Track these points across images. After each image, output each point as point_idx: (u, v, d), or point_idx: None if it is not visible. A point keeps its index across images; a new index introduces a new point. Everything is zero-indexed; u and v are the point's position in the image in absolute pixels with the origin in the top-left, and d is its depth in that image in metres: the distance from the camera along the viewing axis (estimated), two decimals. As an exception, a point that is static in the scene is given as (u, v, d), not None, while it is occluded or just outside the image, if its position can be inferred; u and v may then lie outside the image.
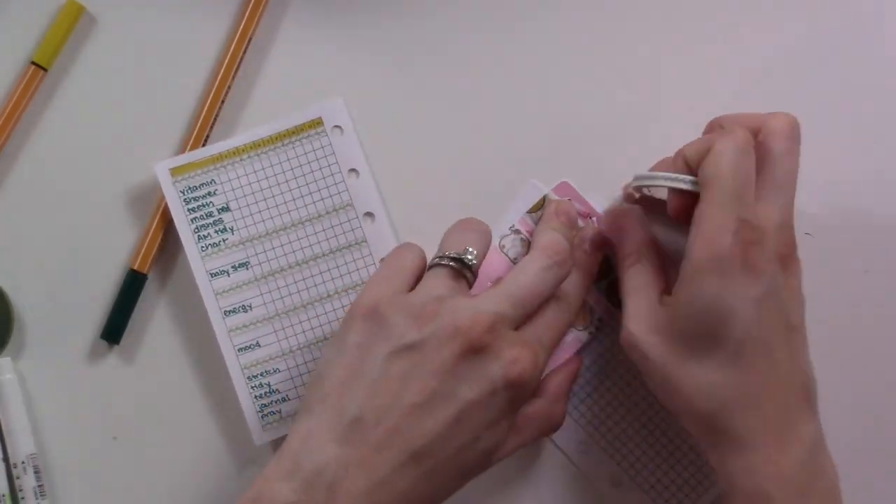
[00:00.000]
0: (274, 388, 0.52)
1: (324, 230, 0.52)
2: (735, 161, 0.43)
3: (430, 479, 0.44)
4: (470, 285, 0.47)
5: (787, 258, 0.44)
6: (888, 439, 0.52)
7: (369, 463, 0.42)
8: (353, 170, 0.53)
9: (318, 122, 0.53)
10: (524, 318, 0.46)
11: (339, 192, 0.53)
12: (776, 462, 0.42)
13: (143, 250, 0.52)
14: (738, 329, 0.42)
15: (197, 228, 0.52)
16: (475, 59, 0.53)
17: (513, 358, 0.44)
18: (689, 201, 0.45)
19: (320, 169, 0.53)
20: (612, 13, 0.53)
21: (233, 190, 0.53)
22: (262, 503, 0.42)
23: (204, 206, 0.52)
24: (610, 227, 0.50)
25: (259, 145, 0.53)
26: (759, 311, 0.42)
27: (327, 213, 0.53)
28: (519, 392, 0.45)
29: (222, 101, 0.53)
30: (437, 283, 0.46)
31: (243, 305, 0.52)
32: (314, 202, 0.53)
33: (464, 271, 0.46)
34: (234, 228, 0.52)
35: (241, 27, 0.53)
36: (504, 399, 0.44)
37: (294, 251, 0.52)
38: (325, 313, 0.52)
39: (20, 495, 0.51)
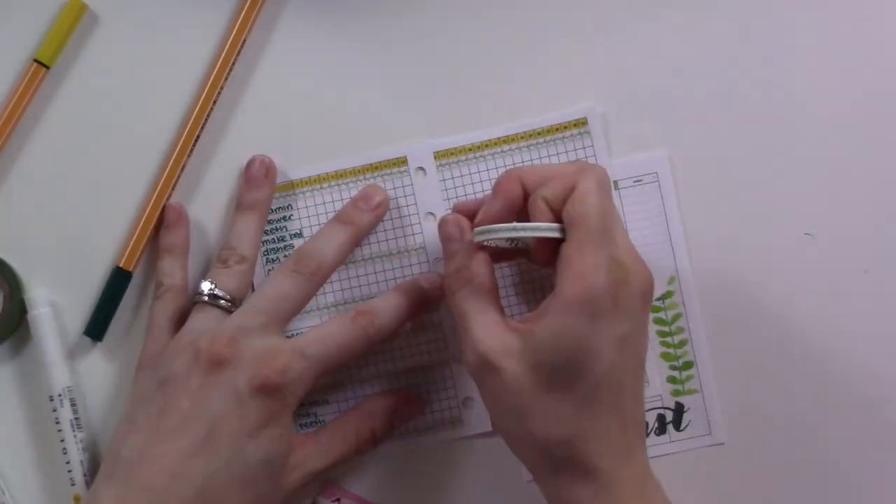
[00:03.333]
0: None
1: (392, 269, 0.53)
2: (601, 199, 0.43)
3: (212, 501, 0.45)
4: (231, 308, 0.49)
5: (646, 297, 0.43)
6: (888, 439, 0.52)
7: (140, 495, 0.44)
8: (429, 213, 0.53)
9: (402, 161, 0.53)
10: (280, 321, 0.49)
11: (413, 234, 0.53)
12: (617, 490, 0.42)
13: (129, 248, 0.52)
14: (599, 368, 0.42)
15: (267, 251, 0.53)
16: (475, 59, 0.53)
17: (259, 363, 0.46)
18: (555, 247, 0.44)
19: (398, 208, 0.53)
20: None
21: (308, 217, 0.53)
22: None
23: (277, 230, 0.53)
24: (446, 230, 0.48)
25: (341, 175, 0.53)
26: (619, 350, 0.42)
27: (398, 252, 0.53)
28: (269, 396, 0.46)
29: (214, 102, 0.53)
30: (196, 318, 0.49)
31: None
32: (387, 240, 0.53)
33: (217, 302, 0.49)
34: None
35: (235, 30, 0.52)
36: (257, 405, 0.46)
37: (361, 286, 0.53)
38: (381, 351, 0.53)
39: (57, 427, 0.52)
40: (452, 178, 0.53)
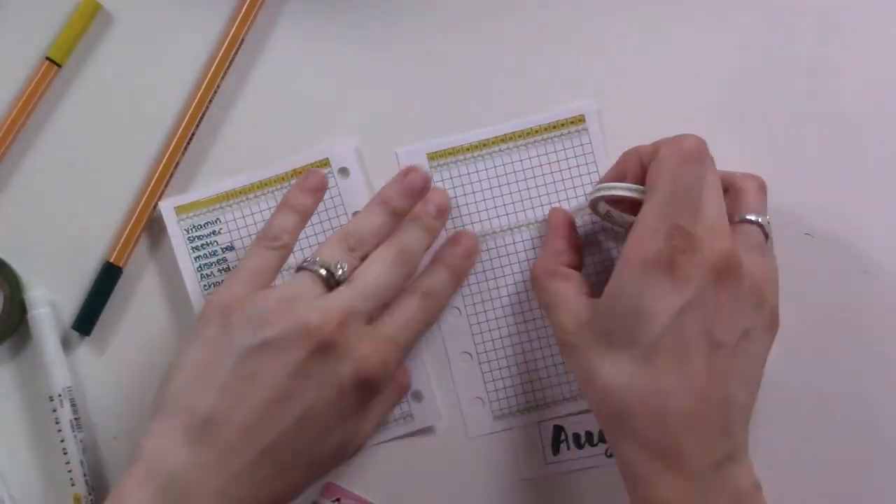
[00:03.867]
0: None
1: None
2: (676, 167, 0.43)
3: (282, 476, 0.44)
4: (331, 287, 0.47)
5: (723, 274, 0.43)
6: (888, 439, 0.52)
7: (221, 463, 0.43)
8: (357, 213, 0.52)
9: (324, 163, 0.52)
10: (378, 310, 0.47)
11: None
12: (675, 473, 0.42)
13: (120, 244, 0.52)
14: (654, 331, 0.42)
15: (200, 267, 0.52)
16: (477, 59, 0.54)
17: (363, 356, 0.45)
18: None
19: (325, 210, 0.52)
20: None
21: (238, 229, 0.52)
22: None
23: (208, 244, 0.52)
24: (553, 218, 0.51)
25: (265, 184, 0.52)
26: (678, 319, 0.42)
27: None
28: (368, 390, 0.46)
29: (209, 102, 0.53)
30: (296, 284, 0.46)
31: None
32: (318, 244, 0.52)
33: (329, 281, 0.47)
34: None
35: (232, 33, 0.53)
36: (354, 397, 0.45)
37: None
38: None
39: (56, 427, 0.51)
40: (451, 178, 0.53)
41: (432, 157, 0.53)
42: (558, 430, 0.53)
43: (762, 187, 0.48)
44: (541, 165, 0.53)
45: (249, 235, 0.52)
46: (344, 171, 0.53)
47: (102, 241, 0.53)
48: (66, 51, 0.52)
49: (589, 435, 0.53)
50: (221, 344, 0.45)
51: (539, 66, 0.53)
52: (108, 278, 0.52)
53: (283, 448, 0.44)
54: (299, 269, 0.47)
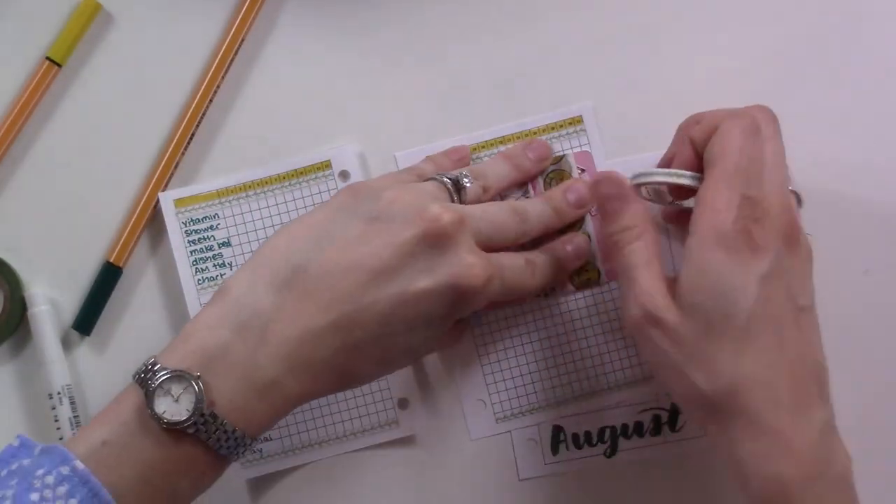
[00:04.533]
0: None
1: None
2: (741, 139, 0.43)
3: (352, 353, 0.44)
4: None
5: (792, 239, 0.43)
6: (888, 440, 0.52)
7: (301, 314, 0.43)
8: None
9: (326, 165, 0.53)
10: (491, 242, 0.46)
11: None
12: (788, 445, 0.41)
13: (120, 244, 0.52)
14: (746, 305, 0.41)
15: (195, 261, 0.52)
16: (477, 58, 0.54)
17: (469, 263, 0.44)
18: (690, 194, 0.45)
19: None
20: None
21: (235, 226, 0.53)
22: (192, 341, 0.42)
23: (205, 238, 0.53)
24: (607, 194, 0.47)
25: (266, 183, 0.53)
26: (765, 288, 0.41)
27: None
28: (462, 301, 0.44)
29: (209, 102, 0.53)
30: (425, 185, 0.47)
31: None
32: None
33: (453, 192, 0.47)
34: (234, 265, 0.52)
35: (232, 32, 0.53)
36: (446, 300, 0.44)
37: None
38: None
39: (56, 425, 0.51)
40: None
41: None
42: (557, 430, 0.53)
43: (774, 133, 0.46)
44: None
45: (247, 232, 0.53)
46: (344, 175, 0.53)
47: (102, 240, 0.53)
48: (66, 51, 0.53)
49: (588, 435, 0.53)
50: (341, 210, 0.45)
51: (538, 68, 0.53)
52: (108, 278, 0.52)
53: (362, 322, 0.43)
54: (427, 179, 0.48)
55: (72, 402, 0.52)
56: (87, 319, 0.52)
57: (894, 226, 0.53)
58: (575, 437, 0.53)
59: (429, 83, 0.54)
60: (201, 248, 0.52)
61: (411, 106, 0.54)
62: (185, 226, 0.53)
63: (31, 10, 0.53)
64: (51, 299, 0.53)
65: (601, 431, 0.53)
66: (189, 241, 0.52)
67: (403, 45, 0.54)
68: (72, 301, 0.53)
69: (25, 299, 0.52)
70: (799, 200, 0.47)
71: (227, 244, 0.53)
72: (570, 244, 0.51)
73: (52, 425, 0.52)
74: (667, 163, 0.48)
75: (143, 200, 0.53)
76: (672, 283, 0.44)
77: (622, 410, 0.53)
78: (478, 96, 0.53)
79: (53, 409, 0.52)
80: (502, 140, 0.53)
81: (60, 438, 0.51)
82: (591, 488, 0.53)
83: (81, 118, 0.53)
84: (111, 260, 0.52)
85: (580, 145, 0.53)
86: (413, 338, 0.45)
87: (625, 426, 0.53)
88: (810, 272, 0.44)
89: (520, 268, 0.48)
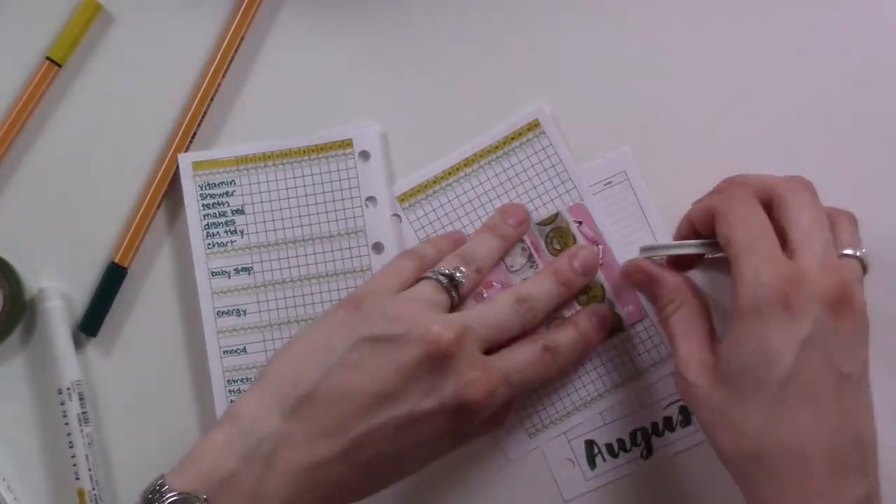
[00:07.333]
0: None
1: (332, 251, 0.53)
2: (741, 215, 0.44)
3: (365, 472, 0.45)
4: (453, 303, 0.48)
5: (838, 304, 0.43)
6: (888, 439, 0.52)
7: (310, 442, 0.44)
8: (371, 198, 0.53)
9: (347, 143, 0.53)
10: (495, 344, 0.47)
11: (353, 217, 0.53)
12: None
13: (124, 244, 0.53)
14: (781, 370, 0.41)
15: (207, 225, 0.53)
16: (477, 57, 0.54)
17: (472, 379, 0.45)
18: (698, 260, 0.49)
19: (340, 191, 0.53)
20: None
21: (251, 194, 0.53)
22: (200, 465, 0.43)
23: (219, 204, 0.53)
24: (640, 282, 0.50)
25: (286, 155, 0.53)
26: (803, 353, 0.41)
27: (338, 235, 0.53)
28: (467, 414, 0.45)
29: (212, 98, 0.53)
30: (423, 290, 0.48)
31: (238, 309, 0.52)
32: (328, 222, 0.53)
33: (450, 289, 0.48)
34: (245, 232, 0.53)
35: (231, 32, 0.53)
36: (452, 418, 0.45)
37: (299, 266, 0.53)
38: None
39: (64, 421, 0.52)
40: (426, 214, 0.53)
41: (402, 198, 0.53)
42: (590, 444, 0.53)
43: (853, 221, 0.48)
44: (509, 179, 0.53)
45: (262, 202, 0.53)
46: (364, 155, 0.53)
47: (106, 241, 0.53)
48: (66, 51, 0.53)
49: (620, 442, 0.53)
50: (343, 328, 0.46)
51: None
52: (113, 279, 0.53)
53: (371, 443, 0.44)
54: (421, 278, 0.49)
55: (81, 398, 0.52)
56: (93, 321, 0.53)
57: (894, 225, 0.52)
58: (609, 446, 0.53)
59: (439, 82, 0.54)
60: (215, 213, 0.53)
61: (426, 106, 0.54)
62: (201, 189, 0.53)
63: (31, 10, 0.53)
64: (64, 295, 0.53)
65: (633, 435, 0.53)
66: (203, 206, 0.53)
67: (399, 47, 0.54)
68: (77, 302, 0.53)
69: (34, 295, 0.53)
70: (864, 267, 0.46)
71: (240, 211, 0.53)
72: (594, 316, 0.52)
73: (60, 421, 0.52)
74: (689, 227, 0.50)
75: (147, 201, 0.53)
76: (714, 347, 0.45)
77: (648, 410, 0.53)
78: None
79: (62, 404, 0.52)
80: (466, 162, 0.53)
81: (68, 434, 0.52)
82: (636, 492, 0.53)
83: (81, 118, 0.53)
84: (116, 260, 0.53)
85: (543, 148, 0.53)
86: (424, 451, 0.46)
87: (654, 424, 0.53)
88: (862, 340, 0.44)
89: (532, 362, 0.48)
